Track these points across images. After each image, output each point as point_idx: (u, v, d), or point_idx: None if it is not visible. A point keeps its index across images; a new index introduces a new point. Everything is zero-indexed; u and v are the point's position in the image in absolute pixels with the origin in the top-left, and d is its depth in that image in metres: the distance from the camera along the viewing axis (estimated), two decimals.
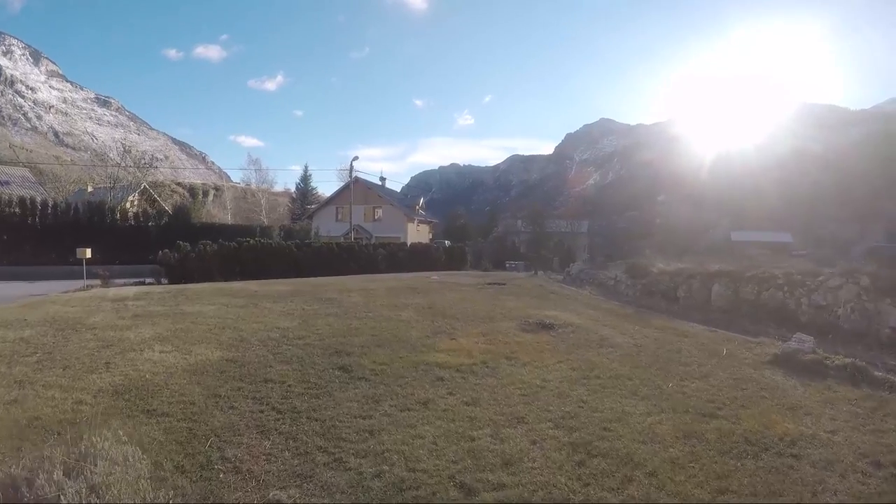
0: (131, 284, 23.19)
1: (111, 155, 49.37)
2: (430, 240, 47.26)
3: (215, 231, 31.04)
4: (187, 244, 23.83)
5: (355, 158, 35.63)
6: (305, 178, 64.55)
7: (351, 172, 35.71)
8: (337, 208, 46.65)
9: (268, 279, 22.51)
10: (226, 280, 23.47)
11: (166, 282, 23.46)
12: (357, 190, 45.11)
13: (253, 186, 60.01)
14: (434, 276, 22.56)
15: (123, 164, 46.13)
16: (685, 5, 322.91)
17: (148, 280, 23.87)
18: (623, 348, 9.45)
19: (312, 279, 21.50)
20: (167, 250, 23.08)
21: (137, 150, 51.59)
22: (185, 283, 22.27)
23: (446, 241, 40.67)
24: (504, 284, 20.03)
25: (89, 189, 55.70)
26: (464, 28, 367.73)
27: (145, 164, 48.64)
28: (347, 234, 36.73)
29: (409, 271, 27.68)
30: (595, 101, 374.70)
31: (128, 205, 42.15)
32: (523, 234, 62.29)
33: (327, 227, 43.69)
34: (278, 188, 69.53)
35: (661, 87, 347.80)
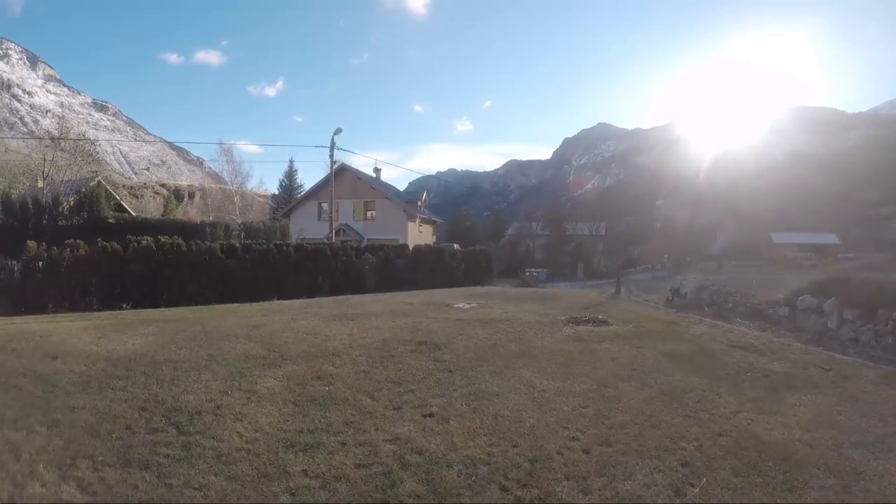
0: None
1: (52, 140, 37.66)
2: (435, 242, 36.33)
3: (136, 228, 20.15)
4: (42, 245, 13.16)
5: (338, 131, 24.39)
6: (290, 175, 53.43)
7: (332, 150, 24.20)
8: (320, 204, 35.00)
9: (170, 306, 12.09)
10: (101, 307, 13.02)
11: None
12: (345, 181, 34.15)
13: (225, 177, 49.15)
14: (461, 301, 11.91)
15: (58, 139, 35.03)
16: (682, 10, 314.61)
17: None
18: None
19: (240, 308, 10.79)
20: None
21: (77, 133, 40.07)
22: (24, 312, 11.86)
23: (455, 245, 30.10)
24: (608, 324, 9.47)
25: (39, 184, 44.77)
26: (464, 34, 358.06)
27: (81, 140, 37.09)
28: (330, 235, 25.91)
29: (413, 288, 17.02)
30: (593, 106, 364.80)
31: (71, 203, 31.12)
32: (540, 237, 51.50)
33: (308, 227, 32.74)
34: (266, 188, 58.71)
35: (658, 92, 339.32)
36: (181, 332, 8.12)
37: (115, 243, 13.08)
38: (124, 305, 13.20)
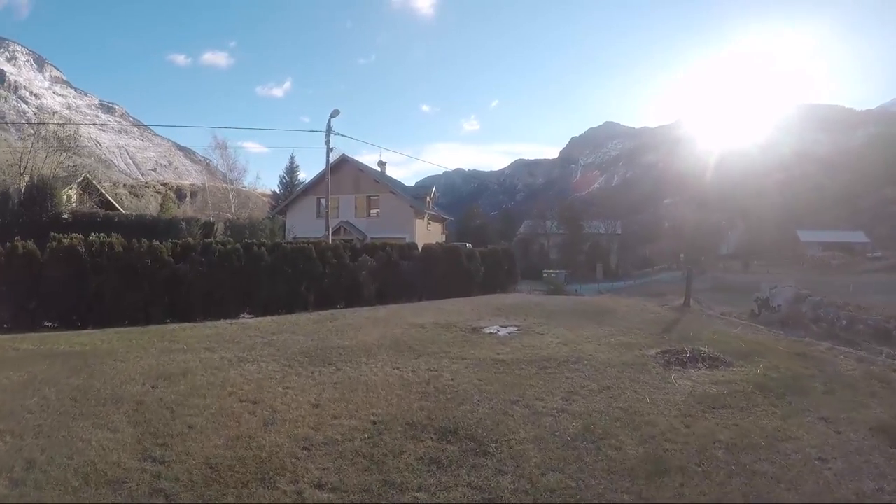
0: None
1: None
2: (444, 242, 32.59)
3: (97, 226, 16.75)
4: None
5: (335, 113, 20.47)
6: (291, 170, 49.65)
7: (328, 135, 20.70)
8: (318, 200, 31.18)
9: (100, 326, 8.81)
10: (12, 326, 9.68)
11: None
12: (346, 175, 30.64)
13: (220, 170, 45.80)
14: (491, 321, 8.48)
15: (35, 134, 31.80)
16: (689, 8, 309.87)
17: None
18: None
19: (179, 334, 7.39)
20: None
21: (59, 121, 36.66)
22: None
23: (467, 244, 26.59)
24: (724, 363, 6.06)
25: (25, 179, 41.50)
26: (471, 34, 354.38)
27: (65, 134, 33.75)
28: (327, 233, 22.46)
29: (423, 297, 13.63)
30: (599, 105, 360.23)
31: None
32: (555, 236, 47.77)
33: (306, 225, 29.25)
34: (264, 184, 55.19)
35: (665, 90, 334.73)
36: (44, 387, 4.75)
37: (29, 242, 9.69)
38: (47, 324, 9.83)
